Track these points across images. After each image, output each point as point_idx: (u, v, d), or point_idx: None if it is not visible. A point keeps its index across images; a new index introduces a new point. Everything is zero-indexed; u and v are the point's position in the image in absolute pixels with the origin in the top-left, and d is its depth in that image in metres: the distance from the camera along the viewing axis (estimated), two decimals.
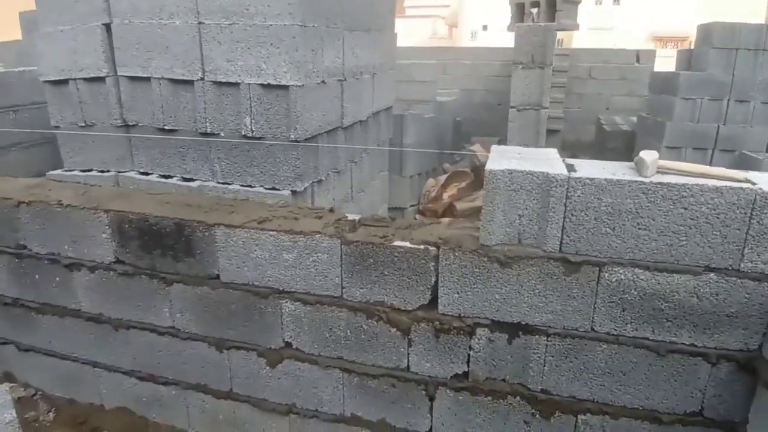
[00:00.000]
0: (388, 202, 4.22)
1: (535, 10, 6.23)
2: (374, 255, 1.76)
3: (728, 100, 5.66)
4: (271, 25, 2.39)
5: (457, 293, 1.71)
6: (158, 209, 2.04)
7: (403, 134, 4.77)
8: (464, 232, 1.72)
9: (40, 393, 2.50)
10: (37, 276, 2.24)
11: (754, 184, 1.48)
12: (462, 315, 1.73)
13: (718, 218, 1.48)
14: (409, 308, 1.78)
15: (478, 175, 5.36)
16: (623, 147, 6.78)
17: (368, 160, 3.55)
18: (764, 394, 1.53)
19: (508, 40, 6.60)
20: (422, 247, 1.70)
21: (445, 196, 5.00)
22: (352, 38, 2.99)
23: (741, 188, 1.46)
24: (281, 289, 1.91)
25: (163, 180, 2.76)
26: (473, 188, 5.35)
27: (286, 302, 1.92)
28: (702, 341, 1.59)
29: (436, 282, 1.73)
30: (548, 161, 1.65)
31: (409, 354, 1.84)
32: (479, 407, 1.82)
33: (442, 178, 5.21)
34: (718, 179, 1.50)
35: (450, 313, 1.74)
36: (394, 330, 1.82)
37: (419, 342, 1.80)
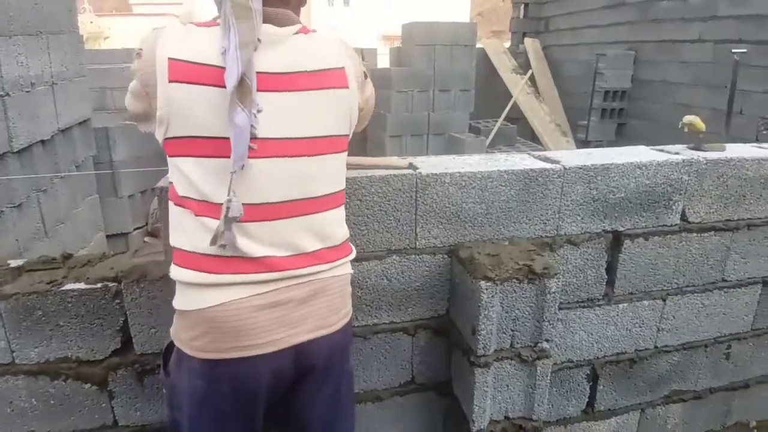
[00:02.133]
0: (104, 230, 3.70)
1: None
2: (42, 306, 1.46)
3: (433, 90, 6.52)
4: None
5: (153, 328, 1.53)
6: None
7: (112, 150, 4.19)
8: (150, 259, 1.54)
9: None
10: None
11: (416, 168, 1.64)
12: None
13: (389, 204, 1.60)
14: (100, 357, 1.53)
15: None
16: (359, 139, 7.29)
17: (64, 185, 3.03)
18: (456, 351, 1.73)
19: None
20: (100, 285, 1.47)
21: None
22: (13, 44, 2.49)
23: (404, 174, 1.60)
24: None
25: None
26: None
27: None
28: (399, 317, 1.72)
29: (126, 321, 1.51)
30: None
31: (113, 407, 1.59)
32: None
33: None
34: (386, 169, 1.62)
35: (150, 351, 1.55)
36: (88, 386, 1.55)
37: (122, 392, 1.57)
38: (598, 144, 7.33)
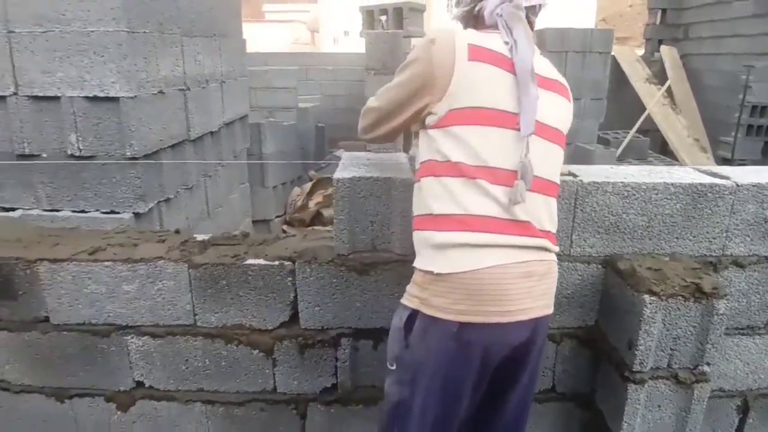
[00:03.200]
0: (251, 216, 4.05)
1: (383, 18, 6.42)
2: (227, 276, 1.65)
3: None
4: (92, 31, 2.16)
5: (318, 306, 1.67)
6: None
7: (262, 144, 4.62)
8: (320, 243, 1.68)
9: None
10: None
11: (575, 176, 1.63)
12: (325, 327, 1.69)
13: None
14: (270, 327, 1.70)
15: None
16: None
17: (224, 172, 3.37)
18: (606, 364, 1.69)
19: None
20: (277, 263, 1.63)
21: (312, 204, 4.93)
22: (193, 44, 2.81)
23: (564, 181, 1.60)
24: (125, 324, 1.72)
25: None
26: None
27: (132, 338, 1.74)
28: None
29: (296, 297, 1.67)
30: (395, 166, 1.67)
31: (274, 374, 1.76)
32: (352, 416, 1.80)
33: (308, 186, 5.13)
34: None
35: (312, 327, 1.69)
36: (256, 352, 1.73)
37: (284, 360, 1.73)
38: (742, 163, 6.65)
